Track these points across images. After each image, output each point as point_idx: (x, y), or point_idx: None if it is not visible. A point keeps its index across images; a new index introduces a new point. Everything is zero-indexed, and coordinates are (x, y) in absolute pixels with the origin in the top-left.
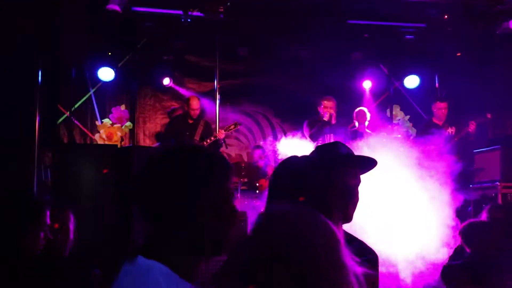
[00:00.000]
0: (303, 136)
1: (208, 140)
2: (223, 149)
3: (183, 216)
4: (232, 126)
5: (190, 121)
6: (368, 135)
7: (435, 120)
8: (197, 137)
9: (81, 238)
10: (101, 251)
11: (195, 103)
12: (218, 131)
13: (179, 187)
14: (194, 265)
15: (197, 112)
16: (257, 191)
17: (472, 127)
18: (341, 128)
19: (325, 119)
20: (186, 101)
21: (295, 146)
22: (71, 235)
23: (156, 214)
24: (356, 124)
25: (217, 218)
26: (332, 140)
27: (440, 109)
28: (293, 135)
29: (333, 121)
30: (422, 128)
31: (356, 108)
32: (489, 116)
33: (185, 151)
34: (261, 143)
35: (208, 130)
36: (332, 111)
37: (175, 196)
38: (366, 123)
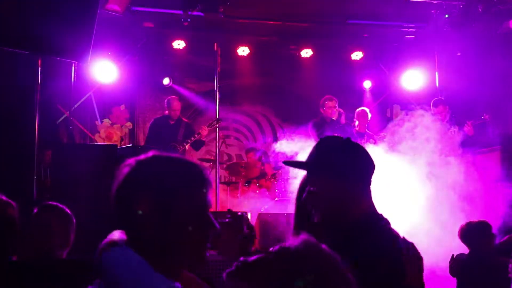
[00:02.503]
0: (308, 137)
1: (193, 138)
2: (223, 148)
3: (156, 228)
4: (215, 122)
5: (171, 122)
6: (368, 136)
7: None
8: (179, 137)
9: (81, 239)
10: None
11: (175, 104)
12: (201, 128)
13: (152, 196)
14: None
15: (178, 112)
16: (257, 191)
17: (468, 128)
18: (349, 127)
19: (334, 117)
20: (167, 102)
21: (293, 146)
22: (59, 238)
23: (130, 227)
24: (356, 123)
25: (192, 228)
26: None
27: (436, 114)
28: (290, 138)
29: (342, 121)
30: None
31: (356, 108)
32: (486, 117)
33: (160, 161)
34: (251, 144)
35: (190, 130)
36: (341, 110)
37: (149, 208)
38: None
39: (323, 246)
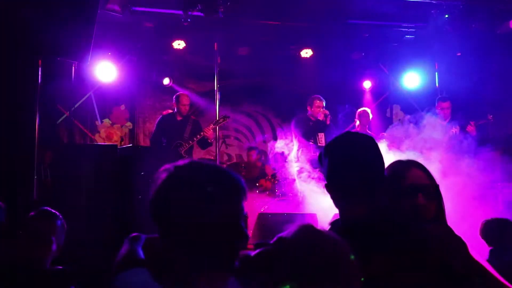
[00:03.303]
0: (291, 134)
1: (198, 136)
2: (223, 149)
3: (191, 234)
4: (221, 120)
5: (179, 118)
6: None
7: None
8: (186, 135)
9: (81, 239)
10: (100, 252)
11: (185, 99)
12: (206, 128)
13: (187, 203)
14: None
15: (187, 108)
16: (257, 191)
17: (471, 128)
18: (334, 128)
19: (320, 118)
20: (176, 98)
21: (291, 146)
22: (54, 247)
23: (165, 231)
24: (357, 122)
25: (225, 237)
26: (323, 140)
27: (443, 108)
28: (287, 137)
29: (328, 122)
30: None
31: (356, 108)
32: (490, 117)
33: (198, 168)
34: (253, 143)
35: (197, 128)
36: (326, 111)
37: (184, 214)
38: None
39: (321, 229)
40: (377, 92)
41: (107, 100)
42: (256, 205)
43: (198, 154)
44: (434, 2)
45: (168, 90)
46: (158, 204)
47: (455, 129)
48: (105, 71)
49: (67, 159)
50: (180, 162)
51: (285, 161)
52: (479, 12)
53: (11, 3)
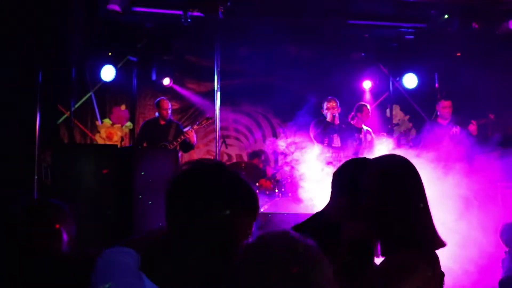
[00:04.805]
0: (309, 136)
1: (182, 137)
2: (223, 149)
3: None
4: (204, 121)
5: (162, 122)
6: (366, 131)
7: (439, 121)
8: (170, 138)
9: (80, 239)
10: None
11: (165, 103)
12: (189, 130)
13: (191, 199)
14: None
15: (169, 111)
16: (257, 191)
17: (473, 127)
18: (347, 128)
19: (328, 120)
20: (157, 104)
21: (291, 146)
22: (64, 236)
23: (173, 223)
24: (353, 115)
25: (215, 247)
26: (337, 140)
27: (445, 107)
28: (289, 137)
29: (336, 122)
30: (426, 129)
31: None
32: (491, 116)
33: (221, 174)
34: (252, 142)
35: (180, 131)
36: (335, 112)
37: (194, 213)
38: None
39: (297, 235)
40: (377, 92)
41: (107, 100)
42: None
43: (198, 154)
44: (433, 2)
45: (168, 90)
46: (169, 191)
47: (455, 129)
48: (105, 71)
49: (67, 159)
50: (207, 161)
51: (286, 161)
52: (478, 12)
53: (13, 4)
